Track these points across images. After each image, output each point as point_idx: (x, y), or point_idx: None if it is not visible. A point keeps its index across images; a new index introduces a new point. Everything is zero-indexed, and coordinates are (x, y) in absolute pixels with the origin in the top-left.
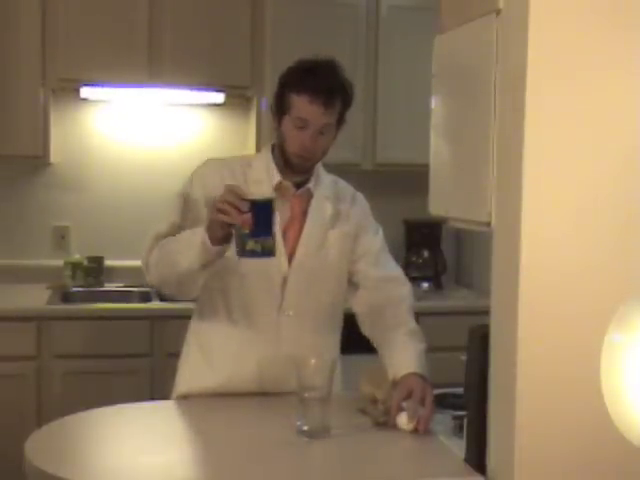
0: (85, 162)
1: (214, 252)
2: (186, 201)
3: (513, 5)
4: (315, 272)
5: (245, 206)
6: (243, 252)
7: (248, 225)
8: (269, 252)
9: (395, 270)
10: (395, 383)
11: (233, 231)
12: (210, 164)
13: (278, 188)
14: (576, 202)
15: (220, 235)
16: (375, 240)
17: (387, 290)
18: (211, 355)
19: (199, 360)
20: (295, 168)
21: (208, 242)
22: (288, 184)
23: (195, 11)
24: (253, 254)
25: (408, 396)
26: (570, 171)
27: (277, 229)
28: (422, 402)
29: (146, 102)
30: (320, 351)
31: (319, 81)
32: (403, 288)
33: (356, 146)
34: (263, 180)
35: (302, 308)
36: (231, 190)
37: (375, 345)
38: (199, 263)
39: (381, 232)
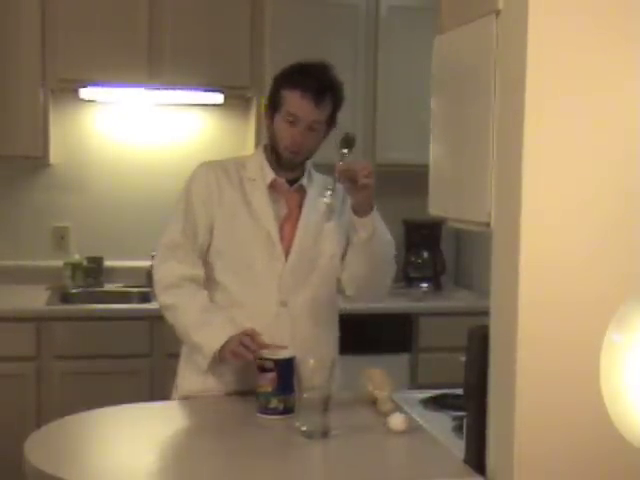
0: (85, 163)
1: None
2: (188, 207)
3: (513, 6)
4: (311, 266)
5: (269, 365)
6: (266, 410)
7: (273, 385)
8: (290, 409)
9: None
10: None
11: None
12: (204, 166)
13: (272, 185)
14: (575, 202)
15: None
16: None
17: None
18: None
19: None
20: (285, 163)
21: (217, 358)
22: (282, 181)
23: (195, 12)
24: (274, 411)
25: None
26: (569, 171)
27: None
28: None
29: (146, 102)
30: (319, 344)
31: (310, 77)
32: None
33: (356, 146)
34: (257, 178)
35: (299, 301)
36: (247, 334)
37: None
38: (206, 364)
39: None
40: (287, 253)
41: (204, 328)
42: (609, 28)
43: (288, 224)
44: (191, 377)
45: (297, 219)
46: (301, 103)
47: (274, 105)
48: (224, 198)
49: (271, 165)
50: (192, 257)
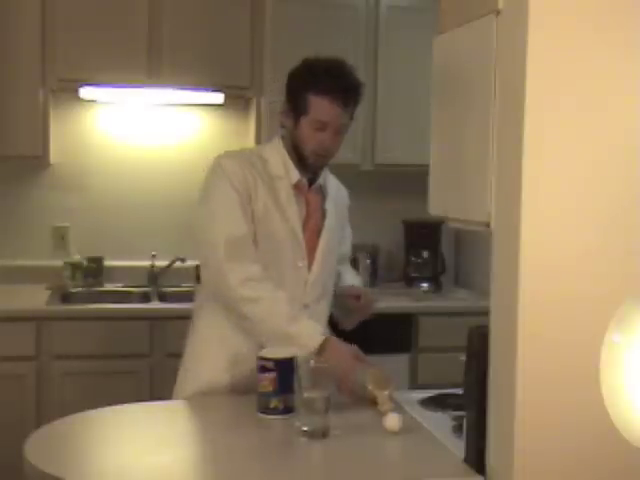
0: (85, 162)
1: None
2: (235, 196)
3: (513, 6)
4: (328, 269)
5: (270, 365)
6: (266, 409)
7: (273, 384)
8: (290, 409)
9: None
10: (337, 293)
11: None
12: (233, 159)
13: (296, 185)
14: (575, 202)
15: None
16: (349, 238)
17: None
18: (233, 349)
19: (220, 354)
20: (311, 167)
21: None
22: (305, 181)
23: (195, 12)
24: (275, 411)
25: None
26: (570, 172)
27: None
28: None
29: (145, 102)
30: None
31: (338, 83)
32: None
33: (356, 147)
34: (282, 177)
35: (316, 300)
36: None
37: None
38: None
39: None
40: (310, 256)
41: (300, 320)
42: (609, 28)
43: (308, 224)
44: (211, 371)
45: (316, 220)
46: (330, 109)
47: (298, 108)
48: (258, 194)
49: (294, 164)
50: (256, 253)
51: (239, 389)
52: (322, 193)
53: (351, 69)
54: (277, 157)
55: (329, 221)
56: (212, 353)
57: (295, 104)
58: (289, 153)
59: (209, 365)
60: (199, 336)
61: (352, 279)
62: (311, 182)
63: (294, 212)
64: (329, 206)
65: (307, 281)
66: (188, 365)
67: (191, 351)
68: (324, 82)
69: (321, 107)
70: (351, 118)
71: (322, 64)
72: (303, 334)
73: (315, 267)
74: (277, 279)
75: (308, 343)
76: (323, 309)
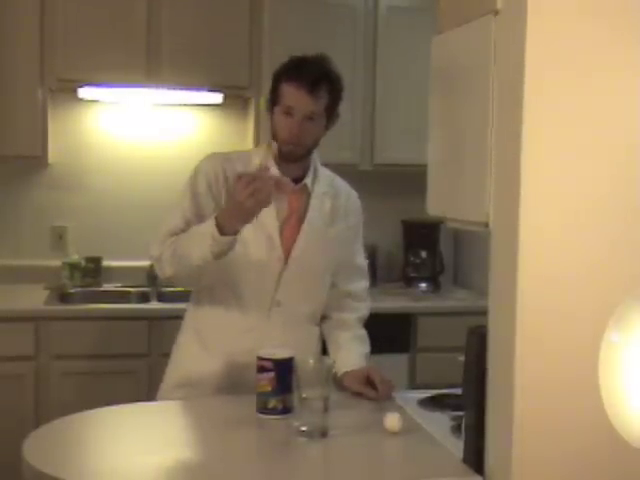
0: (83, 162)
1: (225, 242)
2: (194, 196)
3: (511, 6)
4: (311, 268)
5: (268, 365)
6: (264, 410)
7: (272, 384)
8: (289, 409)
9: (361, 285)
10: (339, 378)
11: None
12: (211, 157)
13: (276, 183)
14: (574, 202)
15: (239, 227)
16: (359, 253)
17: (345, 303)
18: (207, 341)
19: (195, 346)
20: (286, 156)
21: (217, 234)
22: (287, 180)
23: (194, 12)
24: (273, 411)
25: (366, 381)
26: (568, 171)
27: (275, 228)
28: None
29: (144, 102)
30: (308, 344)
31: (305, 69)
32: (361, 304)
33: (354, 146)
34: None
35: (294, 299)
36: (250, 177)
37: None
38: (211, 256)
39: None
40: (287, 254)
41: (197, 226)
42: (608, 28)
43: (289, 224)
44: (186, 362)
45: (298, 219)
46: (297, 94)
47: (273, 100)
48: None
49: (276, 162)
50: None
51: (221, 382)
52: (307, 192)
53: (327, 61)
54: (260, 157)
55: (309, 220)
56: (187, 344)
57: (272, 97)
58: (274, 152)
59: (184, 356)
60: (183, 326)
61: (358, 358)
62: (298, 181)
63: (270, 211)
64: (312, 207)
65: (282, 276)
66: (175, 350)
67: (178, 341)
68: (293, 70)
69: (289, 92)
70: (330, 113)
71: (300, 58)
72: (206, 230)
73: (292, 263)
74: (246, 274)
75: (209, 223)
76: (305, 312)
